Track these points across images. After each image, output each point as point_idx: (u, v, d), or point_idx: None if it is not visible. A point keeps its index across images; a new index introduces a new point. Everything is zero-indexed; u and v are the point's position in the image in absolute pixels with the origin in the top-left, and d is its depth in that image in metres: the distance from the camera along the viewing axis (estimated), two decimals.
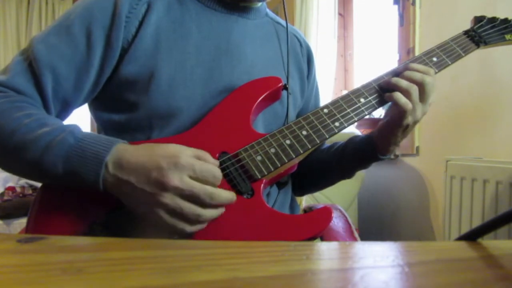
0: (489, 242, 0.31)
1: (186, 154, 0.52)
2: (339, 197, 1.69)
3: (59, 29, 0.62)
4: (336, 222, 0.85)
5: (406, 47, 1.77)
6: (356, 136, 0.77)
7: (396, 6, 1.85)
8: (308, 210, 0.89)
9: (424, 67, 0.65)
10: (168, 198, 0.49)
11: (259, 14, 0.76)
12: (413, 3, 1.73)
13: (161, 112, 0.62)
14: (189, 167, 0.50)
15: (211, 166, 0.53)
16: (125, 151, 0.52)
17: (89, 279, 0.21)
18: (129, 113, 0.63)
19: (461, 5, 1.52)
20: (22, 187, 2.04)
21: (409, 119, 0.64)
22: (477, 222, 1.26)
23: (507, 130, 1.35)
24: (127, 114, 0.63)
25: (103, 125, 0.68)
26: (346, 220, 0.88)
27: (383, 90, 0.65)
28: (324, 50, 2.28)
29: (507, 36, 0.71)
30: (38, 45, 0.60)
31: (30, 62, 0.59)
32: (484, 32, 0.71)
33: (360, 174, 1.81)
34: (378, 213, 1.99)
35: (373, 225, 1.99)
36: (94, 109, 0.68)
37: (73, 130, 0.54)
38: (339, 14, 2.43)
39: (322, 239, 0.73)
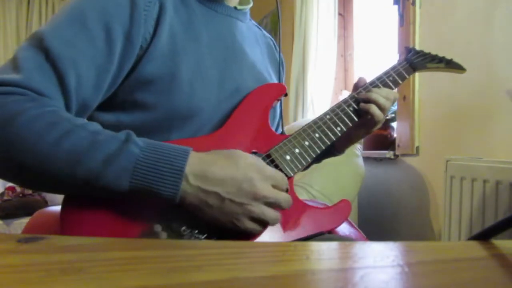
0: (489, 242, 0.31)
1: (263, 163, 0.55)
2: (339, 197, 1.69)
3: (72, 23, 0.55)
4: None
5: (406, 47, 1.77)
6: None
7: (396, 6, 1.85)
8: None
9: (393, 92, 0.78)
10: (256, 207, 0.52)
11: (247, 18, 0.80)
12: (413, 3, 1.73)
13: (183, 113, 0.61)
14: (272, 177, 0.54)
15: (282, 174, 0.56)
16: (204, 161, 0.52)
17: (89, 279, 0.21)
18: (145, 114, 0.61)
19: (461, 5, 1.52)
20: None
21: (378, 126, 0.76)
22: (477, 222, 1.26)
23: (507, 130, 1.35)
24: (142, 115, 0.61)
25: (109, 127, 0.60)
26: None
27: (364, 102, 0.76)
28: (324, 50, 2.28)
29: (428, 65, 0.86)
30: (53, 40, 0.53)
31: (46, 57, 0.52)
32: (415, 60, 0.86)
33: (360, 174, 1.81)
34: (378, 213, 1.99)
35: (373, 225, 1.99)
36: (97, 110, 0.63)
37: (133, 137, 0.50)
38: (339, 14, 2.43)
39: (330, 233, 0.75)
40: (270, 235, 0.57)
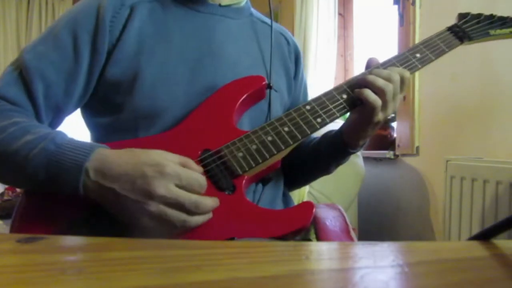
0: (490, 242, 0.31)
1: (171, 161, 0.52)
2: (339, 197, 1.69)
3: (47, 37, 0.63)
4: (334, 222, 0.85)
5: (406, 47, 1.77)
6: (330, 131, 0.77)
7: (396, 6, 1.85)
8: None
9: (399, 69, 0.65)
10: (153, 206, 0.50)
11: (242, 14, 0.76)
12: (413, 3, 1.73)
13: (146, 112, 0.63)
14: (175, 175, 0.51)
15: (197, 174, 0.53)
16: (107, 157, 0.53)
17: (89, 279, 0.21)
18: (115, 115, 0.64)
19: (461, 5, 1.52)
20: None
21: (379, 116, 0.63)
22: (477, 222, 1.26)
23: (507, 130, 1.35)
24: (113, 116, 0.64)
25: (93, 129, 0.69)
26: (344, 220, 0.87)
27: (360, 86, 0.64)
28: (324, 50, 2.28)
29: (492, 32, 0.70)
30: (27, 54, 0.61)
31: (20, 71, 0.61)
32: (469, 28, 0.71)
33: (360, 174, 1.81)
34: (378, 213, 1.99)
35: (373, 225, 1.99)
36: (84, 114, 0.69)
37: (55, 136, 0.54)
38: (339, 14, 2.43)
39: (318, 239, 0.72)
40: (194, 233, 0.53)
